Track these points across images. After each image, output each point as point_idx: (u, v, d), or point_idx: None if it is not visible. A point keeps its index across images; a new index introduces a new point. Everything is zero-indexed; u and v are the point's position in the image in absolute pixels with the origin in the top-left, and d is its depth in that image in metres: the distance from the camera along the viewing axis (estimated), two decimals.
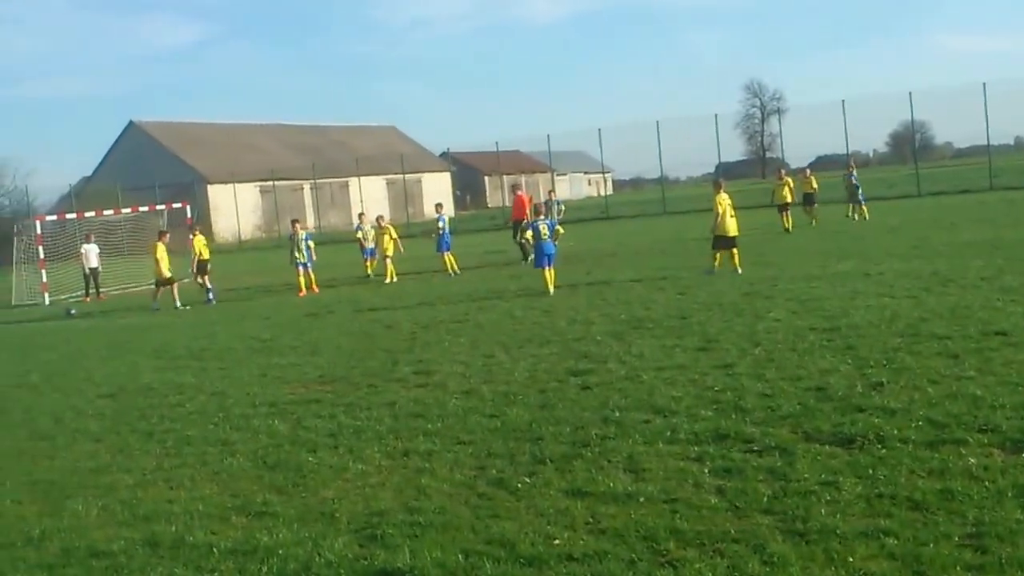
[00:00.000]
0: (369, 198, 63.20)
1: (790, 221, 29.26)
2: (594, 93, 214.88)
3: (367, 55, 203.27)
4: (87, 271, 29.46)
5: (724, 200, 20.10)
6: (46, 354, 16.72)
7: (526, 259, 25.80)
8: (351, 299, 21.30)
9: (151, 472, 8.15)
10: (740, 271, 19.04)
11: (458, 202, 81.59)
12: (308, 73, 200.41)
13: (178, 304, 23.06)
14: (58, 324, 22.42)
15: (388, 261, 24.86)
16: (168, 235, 24.74)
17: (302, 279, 23.59)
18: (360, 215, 28.31)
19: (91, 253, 29.51)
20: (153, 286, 23.84)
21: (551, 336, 13.37)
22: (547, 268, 18.95)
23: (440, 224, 25.30)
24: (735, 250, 19.73)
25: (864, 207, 32.42)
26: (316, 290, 23.55)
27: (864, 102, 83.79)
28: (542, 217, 19.53)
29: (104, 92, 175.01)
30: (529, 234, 19.33)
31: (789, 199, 29.57)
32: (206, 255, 25.08)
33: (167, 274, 23.52)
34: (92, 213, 32.76)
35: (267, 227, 66.74)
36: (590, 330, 13.55)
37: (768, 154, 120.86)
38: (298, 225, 24.93)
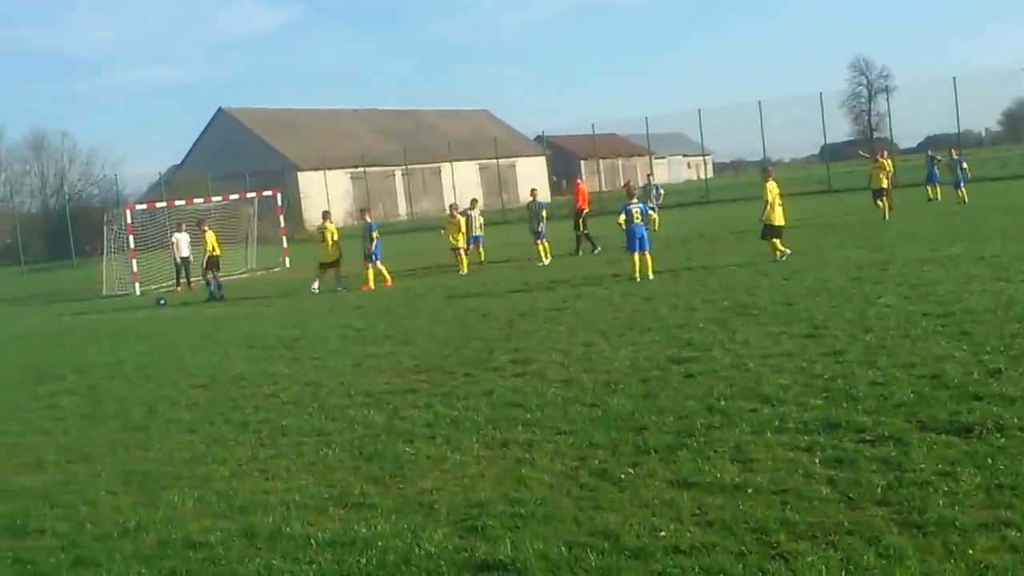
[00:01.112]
0: (462, 184, 63.49)
1: (887, 207, 27.75)
2: (692, 74, 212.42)
3: (458, 38, 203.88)
4: (178, 260, 30.29)
5: (773, 188, 20.11)
6: (138, 344, 17.29)
7: (578, 252, 25.84)
8: (444, 287, 21.52)
9: (246, 462, 8.37)
10: (782, 257, 19.30)
11: (554, 187, 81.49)
12: (397, 57, 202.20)
13: (315, 287, 23.55)
14: (149, 314, 23.15)
15: (461, 253, 24.84)
16: (330, 215, 25.54)
17: (370, 272, 23.47)
18: (472, 200, 28.34)
19: (182, 242, 30.27)
20: (328, 268, 24.04)
21: (652, 323, 13.32)
22: (638, 252, 18.86)
23: (542, 212, 25.37)
24: (778, 240, 19.89)
25: (963, 190, 31.52)
26: (388, 283, 23.41)
27: (976, 79, 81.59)
28: (635, 200, 19.41)
29: (192, 80, 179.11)
30: (622, 218, 19.21)
31: (885, 184, 28.17)
32: (218, 251, 25.98)
33: (332, 257, 23.94)
34: (182, 202, 33.71)
35: (358, 215, 67.73)
36: (693, 317, 13.46)
37: (876, 134, 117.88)
38: (366, 214, 25.09)
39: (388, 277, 23.70)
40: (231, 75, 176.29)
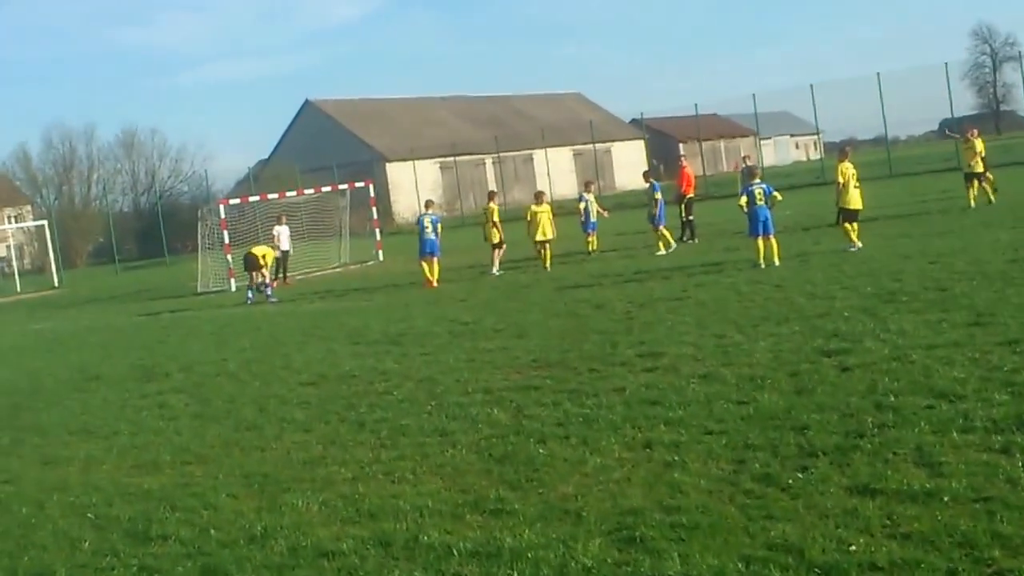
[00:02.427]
0: (556, 170, 63.11)
1: (982, 192, 24.76)
2: (796, 49, 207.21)
3: (544, 18, 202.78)
4: (279, 254, 30.54)
5: (848, 169, 19.40)
6: (239, 341, 17.32)
7: (683, 238, 24.79)
8: (552, 277, 21.15)
9: (369, 465, 8.11)
10: (859, 245, 18.57)
11: (653, 172, 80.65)
12: (481, 40, 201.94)
13: (495, 270, 23.62)
14: (247, 310, 23.32)
15: (544, 247, 23.73)
16: (497, 195, 25.53)
17: (427, 268, 22.93)
18: (587, 183, 27.63)
19: (283, 235, 30.43)
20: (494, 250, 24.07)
21: (788, 313, 12.74)
22: (761, 236, 18.23)
23: (656, 195, 24.29)
24: (855, 224, 19.19)
25: None
26: (433, 284, 22.73)
27: None
28: (757, 180, 18.75)
29: (277, 72, 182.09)
30: (743, 200, 18.58)
31: (980, 168, 24.73)
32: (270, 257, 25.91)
33: (497, 237, 23.97)
34: (275, 195, 34.01)
35: (448, 205, 67.77)
36: (834, 305, 12.83)
37: (1003, 106, 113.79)
38: (430, 207, 24.73)
39: (432, 280, 22.93)
40: (316, 67, 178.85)
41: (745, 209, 18.49)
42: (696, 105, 56.33)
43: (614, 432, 8.07)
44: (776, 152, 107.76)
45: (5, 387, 15.43)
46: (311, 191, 34.41)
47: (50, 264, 51.52)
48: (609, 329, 13.31)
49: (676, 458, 7.18)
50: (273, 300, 24.46)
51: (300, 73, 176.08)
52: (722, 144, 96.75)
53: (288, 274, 30.40)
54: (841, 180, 19.32)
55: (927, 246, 17.95)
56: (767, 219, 18.28)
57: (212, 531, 6.87)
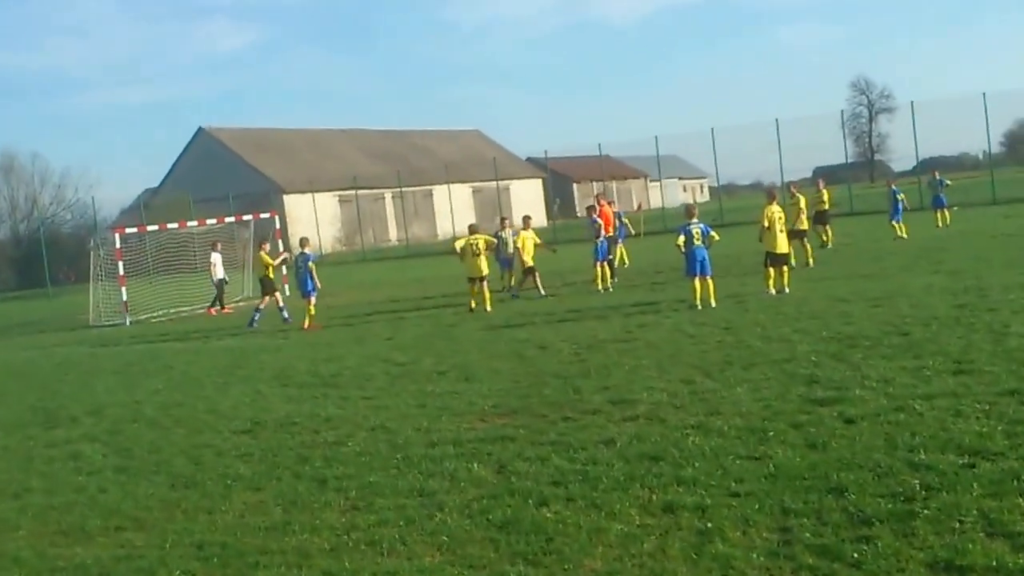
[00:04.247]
0: (456, 207, 62.12)
1: (809, 249, 23.66)
2: (682, 95, 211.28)
3: (439, 58, 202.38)
4: (215, 282, 28.99)
5: (774, 212, 19.00)
6: (150, 381, 15.88)
7: (613, 277, 23.81)
8: (477, 317, 20.15)
9: (345, 532, 7.03)
10: (788, 291, 18.22)
11: (555, 210, 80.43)
12: (378, 78, 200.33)
13: (543, 291, 22.62)
14: (149, 347, 21.70)
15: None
16: (530, 219, 24.59)
17: (311, 308, 21.65)
18: (503, 219, 26.39)
19: (219, 263, 28.99)
20: (523, 275, 22.83)
21: (751, 357, 12.09)
22: (699, 277, 17.66)
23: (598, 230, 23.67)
24: (785, 268, 18.92)
25: (946, 212, 32.24)
26: (307, 326, 21.35)
27: (971, 101, 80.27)
28: (694, 220, 18.15)
29: (166, 100, 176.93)
30: (681, 239, 17.99)
31: (805, 225, 23.77)
32: (272, 274, 23.99)
33: (531, 262, 22.84)
34: (175, 224, 32.33)
35: (348, 240, 66.05)
36: (795, 349, 12.24)
37: (876, 156, 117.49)
38: (306, 245, 23.00)
39: (309, 321, 21.53)
40: (204, 96, 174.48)
41: (683, 249, 17.90)
42: (600, 145, 56.17)
43: (622, 492, 7.18)
44: (666, 194, 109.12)
45: None
46: (213, 221, 32.70)
47: None
48: (563, 372, 12.44)
49: (708, 525, 6.33)
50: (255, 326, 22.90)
51: (187, 102, 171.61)
52: (614, 185, 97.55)
53: (225, 304, 28.91)
54: (766, 223, 18.82)
55: (858, 289, 17.63)
56: (704, 259, 17.70)
57: None
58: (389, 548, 6.59)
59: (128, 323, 28.03)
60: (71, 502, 8.75)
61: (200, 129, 73.05)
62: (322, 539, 6.94)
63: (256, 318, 23.14)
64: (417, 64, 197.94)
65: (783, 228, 19.00)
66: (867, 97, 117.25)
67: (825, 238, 28.05)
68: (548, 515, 6.86)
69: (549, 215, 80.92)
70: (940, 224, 31.58)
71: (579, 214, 76.58)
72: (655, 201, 78.54)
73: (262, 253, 23.98)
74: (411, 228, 64.69)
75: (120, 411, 13.24)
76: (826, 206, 28.65)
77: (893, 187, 30.32)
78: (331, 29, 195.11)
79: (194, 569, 6.65)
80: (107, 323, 28.74)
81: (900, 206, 29.30)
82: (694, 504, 6.76)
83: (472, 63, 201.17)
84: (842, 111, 53.87)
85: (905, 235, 28.25)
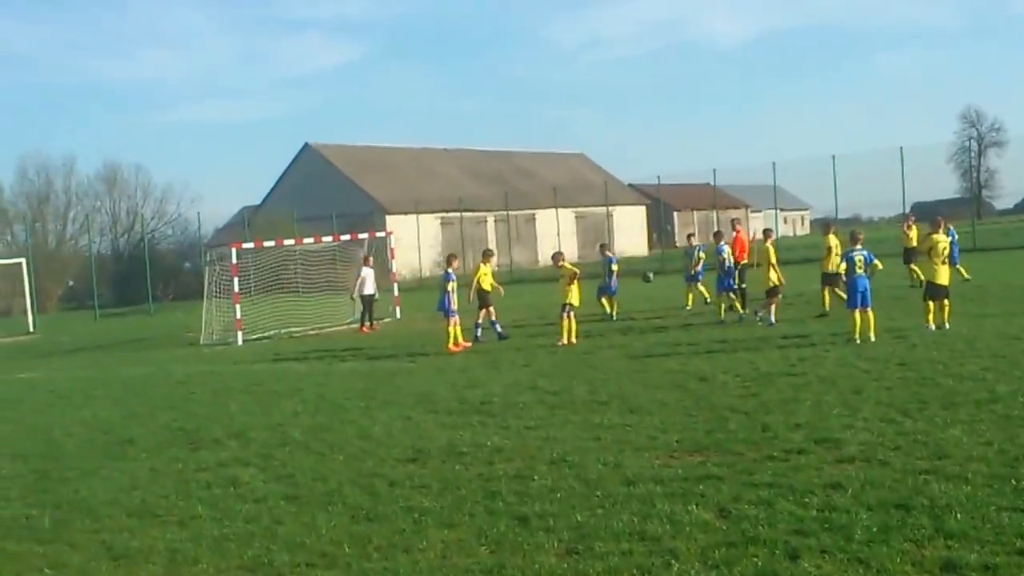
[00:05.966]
0: (559, 232, 61.17)
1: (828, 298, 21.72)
2: (783, 122, 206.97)
3: (539, 77, 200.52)
4: (363, 297, 28.79)
5: (939, 240, 18.07)
6: (284, 402, 15.49)
7: (744, 308, 22.85)
8: (612, 345, 19.46)
9: None
10: (948, 326, 17.42)
11: (659, 238, 79.33)
12: (476, 97, 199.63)
13: (772, 319, 20.72)
14: (270, 367, 21.43)
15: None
16: (770, 233, 22.98)
17: (452, 329, 21.21)
18: (601, 245, 26.06)
19: (370, 278, 28.77)
20: (765, 295, 21.06)
21: (948, 396, 11.29)
22: (859, 309, 16.77)
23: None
24: (946, 302, 17.79)
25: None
26: (455, 347, 21.12)
27: None
28: (859, 246, 17.24)
29: (259, 116, 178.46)
30: (843, 267, 17.14)
31: (828, 268, 21.79)
32: (487, 286, 23.30)
33: (776, 281, 20.84)
34: (291, 241, 32.27)
35: (448, 263, 65.43)
36: (995, 389, 11.48)
37: (984, 192, 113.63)
38: (453, 261, 23.00)
39: (456, 340, 21.24)
40: (301, 113, 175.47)
41: (845, 278, 17.08)
42: (715, 171, 54.20)
43: (884, 545, 6.45)
44: (766, 225, 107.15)
45: (17, 450, 13.32)
46: (329, 239, 32.54)
47: (24, 307, 48.67)
48: (739, 407, 11.72)
49: None
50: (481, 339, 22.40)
51: (286, 118, 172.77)
52: (715, 214, 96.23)
53: (375, 320, 28.90)
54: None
55: (1010, 326, 16.63)
56: (866, 290, 16.79)
57: None
58: None
59: (240, 342, 27.87)
60: (246, 533, 8.25)
61: (306, 145, 71.78)
62: None
63: (478, 333, 22.65)
64: (516, 83, 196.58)
65: (945, 259, 18.05)
66: (976, 129, 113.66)
67: (916, 276, 26.25)
68: (809, 569, 6.15)
69: (650, 243, 79.81)
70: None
71: (677, 243, 75.52)
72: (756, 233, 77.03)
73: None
74: (512, 253, 63.80)
75: (265, 434, 12.82)
76: (913, 243, 27.39)
77: (951, 228, 28.33)
78: (425, 47, 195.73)
79: None
80: (218, 342, 28.64)
81: (957, 248, 27.22)
82: (979, 563, 6.00)
83: (571, 82, 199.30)
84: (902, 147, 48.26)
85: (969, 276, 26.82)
